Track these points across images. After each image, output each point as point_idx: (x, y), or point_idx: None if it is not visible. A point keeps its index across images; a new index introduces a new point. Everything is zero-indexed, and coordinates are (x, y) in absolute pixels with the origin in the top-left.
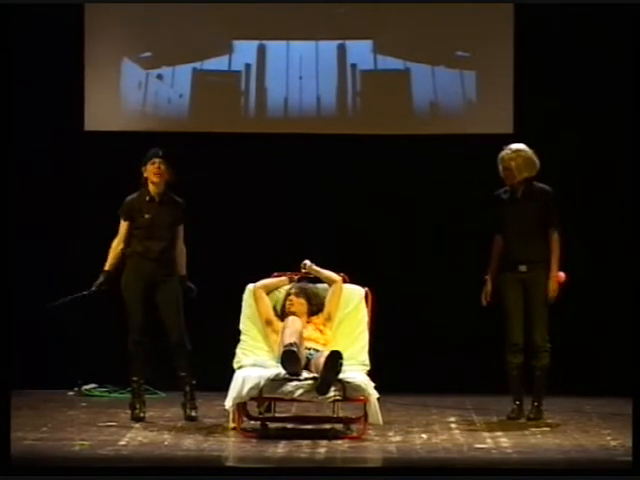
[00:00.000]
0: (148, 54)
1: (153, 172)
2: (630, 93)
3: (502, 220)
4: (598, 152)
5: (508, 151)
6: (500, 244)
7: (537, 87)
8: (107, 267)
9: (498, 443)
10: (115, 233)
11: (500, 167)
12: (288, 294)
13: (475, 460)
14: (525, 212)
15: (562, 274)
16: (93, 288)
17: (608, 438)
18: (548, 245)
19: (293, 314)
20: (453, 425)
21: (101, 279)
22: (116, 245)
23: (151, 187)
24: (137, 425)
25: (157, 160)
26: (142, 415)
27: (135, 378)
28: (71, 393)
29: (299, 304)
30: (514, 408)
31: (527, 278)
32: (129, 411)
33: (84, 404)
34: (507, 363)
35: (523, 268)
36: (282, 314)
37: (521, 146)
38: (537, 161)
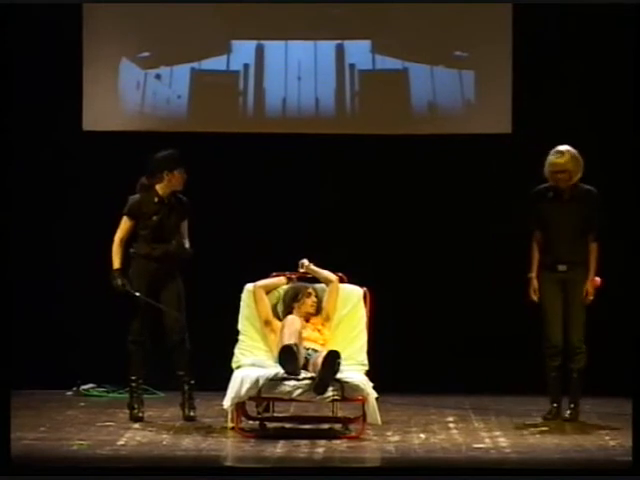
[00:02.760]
0: (146, 54)
1: (181, 181)
2: (629, 93)
3: (543, 217)
4: (596, 152)
5: (566, 155)
6: (540, 241)
7: (535, 87)
8: (117, 265)
9: (496, 443)
10: (113, 232)
11: (553, 169)
12: (304, 295)
13: (474, 460)
14: (570, 212)
15: (598, 278)
16: (135, 293)
17: (607, 438)
18: (588, 247)
19: (310, 314)
20: (452, 425)
21: (119, 280)
22: (119, 243)
23: (162, 189)
24: (136, 425)
25: (183, 170)
26: (141, 415)
27: (134, 378)
28: (70, 393)
29: (314, 305)
30: (551, 409)
31: (566, 278)
32: (127, 411)
33: (83, 404)
34: (546, 366)
35: (563, 268)
36: (287, 314)
37: (570, 148)
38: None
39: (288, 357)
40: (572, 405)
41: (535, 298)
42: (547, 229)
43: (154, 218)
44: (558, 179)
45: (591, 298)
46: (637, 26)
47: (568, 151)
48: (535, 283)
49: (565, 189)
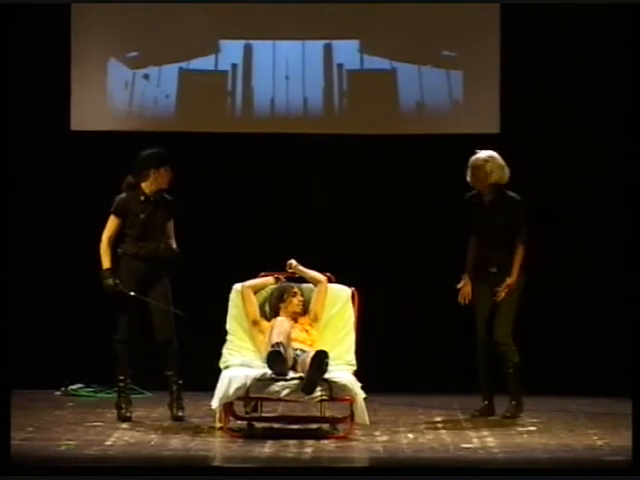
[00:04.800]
0: (135, 54)
1: (168, 179)
2: (619, 92)
3: (473, 222)
4: (585, 151)
5: (482, 155)
6: (473, 246)
7: (523, 87)
8: (107, 265)
9: (484, 443)
10: (102, 232)
11: (470, 170)
12: (290, 295)
13: (461, 460)
14: (493, 218)
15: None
16: (129, 292)
17: (594, 437)
18: (512, 252)
19: (297, 314)
20: (440, 425)
21: (110, 279)
22: (107, 242)
23: (148, 187)
24: (124, 425)
25: (170, 168)
26: (128, 415)
27: (122, 378)
28: (58, 393)
29: (300, 305)
30: (482, 406)
31: (495, 280)
32: (115, 411)
33: (70, 404)
34: (477, 363)
35: (493, 270)
36: (275, 314)
37: (494, 153)
38: (507, 170)
39: (275, 359)
40: (513, 402)
41: (462, 301)
42: (477, 234)
43: (141, 216)
44: (472, 176)
45: (502, 296)
46: (629, 25)
47: (489, 154)
48: (467, 288)
49: (485, 192)
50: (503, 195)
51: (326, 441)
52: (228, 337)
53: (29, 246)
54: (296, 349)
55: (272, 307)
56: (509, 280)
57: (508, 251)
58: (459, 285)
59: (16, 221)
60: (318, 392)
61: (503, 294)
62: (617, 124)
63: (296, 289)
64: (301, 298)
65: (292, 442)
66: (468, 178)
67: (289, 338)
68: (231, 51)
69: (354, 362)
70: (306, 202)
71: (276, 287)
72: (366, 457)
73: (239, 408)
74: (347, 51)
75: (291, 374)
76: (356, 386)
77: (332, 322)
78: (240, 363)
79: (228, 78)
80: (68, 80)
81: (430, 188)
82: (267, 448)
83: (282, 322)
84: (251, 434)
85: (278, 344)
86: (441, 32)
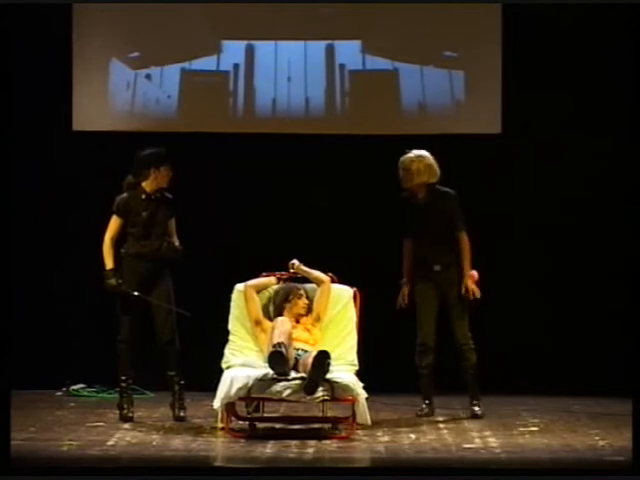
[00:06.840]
0: (136, 54)
1: (168, 178)
2: (622, 93)
3: (409, 223)
4: (586, 152)
5: (411, 155)
6: (409, 247)
7: (525, 87)
8: (110, 265)
9: (486, 443)
10: (104, 232)
11: (400, 170)
12: (295, 296)
13: (463, 460)
14: (429, 216)
15: (475, 273)
16: (133, 292)
17: (596, 438)
18: (457, 247)
19: (300, 315)
20: (441, 425)
21: (113, 279)
22: (110, 242)
23: (149, 186)
24: (125, 425)
25: (169, 167)
26: (130, 415)
27: (123, 378)
28: (59, 393)
29: (305, 307)
30: (423, 407)
31: (440, 279)
32: (117, 411)
33: (72, 404)
34: (417, 365)
35: (437, 268)
36: (278, 314)
37: (424, 152)
38: (438, 169)
39: (277, 360)
40: (475, 402)
41: (403, 305)
42: (414, 233)
43: (143, 214)
44: (401, 177)
45: (476, 294)
46: (629, 25)
47: (417, 154)
48: (405, 290)
49: (416, 191)
50: (436, 192)
51: (328, 441)
52: (230, 337)
53: (31, 246)
54: (298, 349)
55: (276, 307)
56: (467, 279)
57: (450, 248)
58: (403, 288)
59: (18, 221)
60: (320, 392)
61: (474, 291)
62: (618, 124)
63: (302, 291)
64: (306, 301)
65: (294, 442)
66: (400, 179)
67: (290, 338)
68: (233, 51)
69: (356, 362)
70: (308, 202)
71: (282, 287)
72: (368, 457)
73: (241, 408)
74: (349, 51)
75: (293, 374)
76: (358, 386)
77: (334, 322)
78: (242, 363)
79: (230, 78)
80: (70, 80)
81: None
82: (269, 448)
83: (283, 322)
84: (253, 434)
85: (279, 344)
86: (443, 32)
